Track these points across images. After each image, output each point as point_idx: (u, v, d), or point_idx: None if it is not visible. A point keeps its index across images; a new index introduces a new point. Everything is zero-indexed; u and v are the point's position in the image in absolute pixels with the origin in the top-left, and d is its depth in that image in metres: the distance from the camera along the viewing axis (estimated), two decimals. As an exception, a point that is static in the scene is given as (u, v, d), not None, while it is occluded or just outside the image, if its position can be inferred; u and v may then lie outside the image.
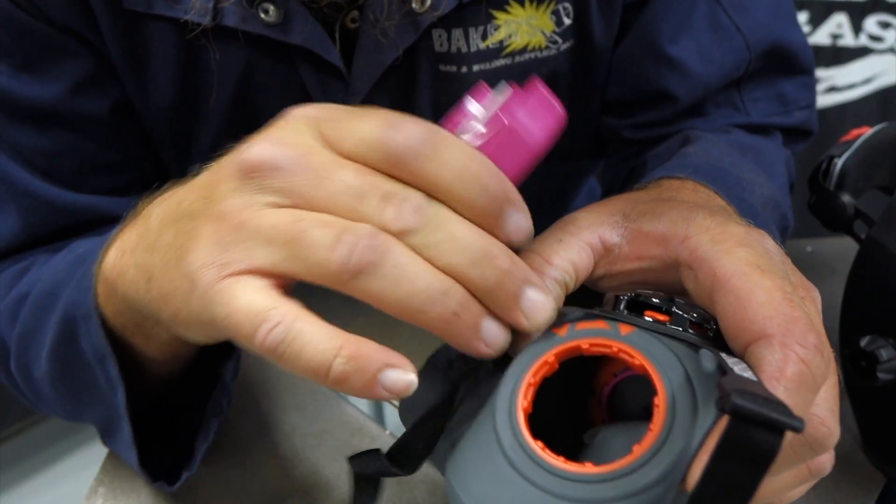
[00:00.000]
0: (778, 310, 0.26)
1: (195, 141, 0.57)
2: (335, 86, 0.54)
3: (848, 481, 0.49)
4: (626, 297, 0.29)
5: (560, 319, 0.30)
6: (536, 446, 0.27)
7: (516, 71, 0.56)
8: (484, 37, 0.53)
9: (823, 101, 1.37)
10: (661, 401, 0.25)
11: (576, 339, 0.28)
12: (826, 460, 0.29)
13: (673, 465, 0.24)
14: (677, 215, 0.31)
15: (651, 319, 0.28)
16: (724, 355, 0.26)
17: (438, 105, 0.58)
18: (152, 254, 0.32)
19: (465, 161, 0.27)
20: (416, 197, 0.26)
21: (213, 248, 0.27)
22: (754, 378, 0.25)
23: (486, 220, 0.27)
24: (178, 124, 0.56)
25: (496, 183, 0.27)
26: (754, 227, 0.30)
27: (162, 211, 0.33)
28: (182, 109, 0.55)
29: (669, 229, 0.30)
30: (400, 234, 0.26)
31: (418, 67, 0.54)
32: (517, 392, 0.28)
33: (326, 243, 0.26)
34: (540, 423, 0.28)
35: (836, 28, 1.34)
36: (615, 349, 0.27)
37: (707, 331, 0.28)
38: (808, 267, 0.69)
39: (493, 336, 0.27)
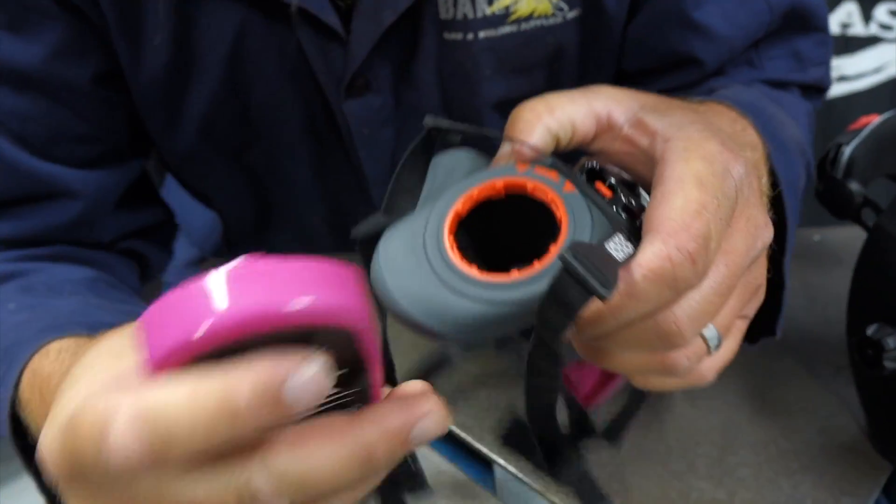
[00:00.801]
0: (681, 216, 0.28)
1: (187, 107, 0.57)
2: (334, 50, 0.54)
3: (855, 470, 0.49)
4: (589, 165, 0.32)
5: (532, 160, 0.33)
6: (450, 243, 0.31)
7: (521, 40, 0.56)
8: (490, 1, 0.53)
9: (832, 90, 1.36)
10: (559, 242, 0.30)
11: (526, 178, 0.31)
12: (679, 360, 0.31)
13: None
14: (678, 120, 0.33)
15: (595, 190, 0.31)
16: (625, 240, 0.29)
17: (442, 76, 0.58)
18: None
19: (196, 414, 0.20)
20: (270, 488, 0.22)
21: None
22: (619, 257, 0.28)
23: (273, 425, 0.22)
24: (171, 89, 0.56)
25: (244, 398, 0.20)
26: (736, 154, 0.32)
27: (52, 432, 0.24)
28: (175, 73, 0.55)
29: (662, 128, 0.33)
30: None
31: (421, 34, 0.54)
32: (456, 198, 0.32)
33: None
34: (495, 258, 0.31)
35: (845, 17, 1.33)
36: (549, 197, 0.31)
37: (637, 216, 0.31)
38: (815, 256, 0.69)
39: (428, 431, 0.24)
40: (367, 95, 0.57)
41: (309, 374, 0.20)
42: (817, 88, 0.61)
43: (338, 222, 0.70)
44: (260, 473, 0.22)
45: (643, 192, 0.33)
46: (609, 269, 0.25)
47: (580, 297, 0.25)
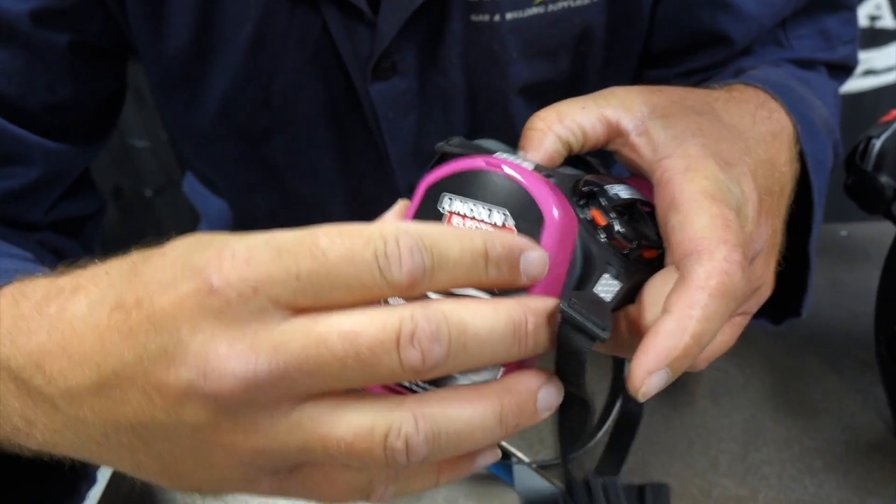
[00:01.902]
0: (713, 232, 0.29)
1: (207, 89, 0.57)
2: (361, 31, 0.53)
3: (881, 469, 0.48)
4: (587, 188, 0.31)
5: (542, 167, 0.32)
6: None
7: (548, 21, 0.55)
8: None
9: (859, 84, 1.34)
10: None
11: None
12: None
13: None
14: (681, 131, 0.34)
15: (590, 216, 0.31)
16: (612, 279, 0.30)
17: (468, 59, 0.57)
18: (87, 441, 0.26)
19: (465, 249, 0.24)
20: (430, 327, 0.23)
21: (245, 473, 0.25)
22: (608, 297, 0.29)
23: (506, 281, 0.26)
24: (191, 70, 0.56)
25: (499, 247, 0.25)
26: (731, 174, 0.32)
27: (67, 395, 0.25)
28: (196, 55, 0.54)
29: (663, 142, 0.34)
30: (431, 370, 0.24)
31: (448, 16, 0.53)
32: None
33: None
34: None
35: (874, 9, 1.30)
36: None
37: (626, 247, 0.31)
38: (842, 251, 0.68)
39: (549, 402, 0.27)
40: (393, 78, 0.57)
41: (536, 256, 0.26)
42: (844, 67, 0.60)
43: (360, 209, 0.70)
44: (409, 417, 0.24)
45: (645, 214, 0.33)
46: (603, 312, 0.27)
47: (584, 343, 0.26)
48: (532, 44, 0.57)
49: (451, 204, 0.28)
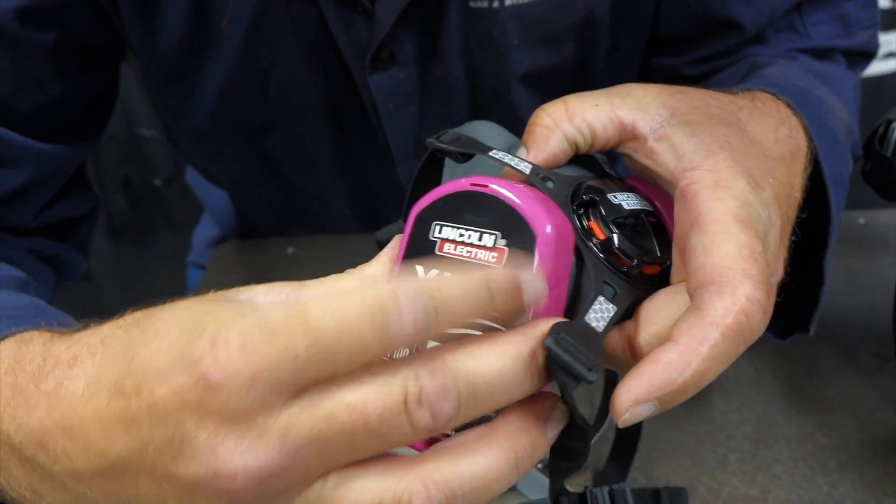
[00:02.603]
0: (739, 263, 0.27)
1: (203, 84, 0.56)
2: (358, 22, 0.52)
3: (898, 468, 0.46)
4: (587, 196, 0.30)
5: (539, 169, 0.30)
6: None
7: (550, 6, 0.53)
8: None
9: (881, 67, 1.30)
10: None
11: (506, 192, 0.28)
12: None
13: None
14: (708, 141, 0.31)
15: (588, 227, 0.29)
16: (607, 301, 0.28)
17: (467, 47, 0.56)
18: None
19: (467, 289, 0.23)
20: (436, 384, 0.22)
21: None
22: (600, 326, 0.27)
23: (512, 312, 0.25)
24: (186, 65, 0.55)
25: (500, 286, 0.24)
26: (762, 194, 0.30)
27: (67, 473, 0.25)
28: (191, 49, 0.53)
29: (689, 152, 0.31)
30: (446, 426, 0.23)
31: (447, 2, 0.52)
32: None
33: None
34: None
35: (896, -10, 1.26)
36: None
37: (627, 263, 0.29)
38: (860, 240, 0.65)
39: (556, 428, 0.26)
40: (392, 69, 0.56)
41: (533, 278, 0.24)
42: (864, 54, 0.57)
43: (362, 202, 0.69)
44: (419, 485, 0.23)
45: (649, 226, 0.31)
46: (593, 346, 0.25)
47: (570, 383, 0.24)
48: (533, 30, 0.55)
49: (442, 231, 0.28)
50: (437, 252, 0.28)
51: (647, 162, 0.32)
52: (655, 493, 0.36)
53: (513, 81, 0.58)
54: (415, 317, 0.22)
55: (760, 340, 0.45)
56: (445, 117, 0.61)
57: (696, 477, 0.46)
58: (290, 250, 0.70)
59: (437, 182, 0.34)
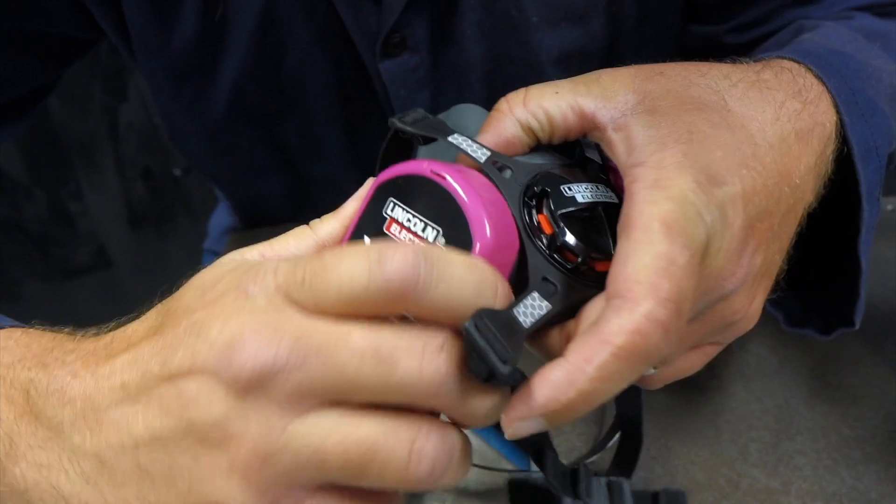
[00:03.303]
0: (649, 277, 0.25)
1: (218, 77, 0.56)
2: (368, 7, 0.51)
3: (925, 461, 0.45)
4: (538, 188, 0.29)
5: (498, 156, 0.30)
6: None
7: None
8: None
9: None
10: None
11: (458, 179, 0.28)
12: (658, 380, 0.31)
13: None
14: (664, 134, 0.29)
15: (536, 220, 0.29)
16: (541, 298, 0.27)
17: (483, 29, 0.54)
18: (81, 478, 0.25)
19: (464, 270, 0.24)
20: (449, 339, 0.24)
21: (248, 492, 0.23)
22: (527, 322, 0.26)
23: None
24: (201, 60, 0.54)
25: (494, 276, 0.25)
26: (711, 193, 0.27)
27: (78, 419, 0.25)
28: (205, 43, 0.53)
29: (640, 145, 0.29)
30: (449, 389, 0.24)
31: None
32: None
33: (399, 458, 0.23)
34: None
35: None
36: None
37: (573, 259, 0.28)
38: (886, 227, 0.64)
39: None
40: (404, 55, 0.55)
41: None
42: None
43: None
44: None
45: (605, 221, 0.30)
46: (514, 340, 0.24)
47: (482, 369, 0.23)
48: (555, 6, 0.53)
49: (394, 210, 0.28)
50: (384, 229, 0.28)
51: (608, 151, 0.30)
52: (654, 496, 0.35)
53: (545, 64, 0.56)
54: (406, 261, 0.23)
55: (783, 330, 0.44)
56: (460, 102, 0.60)
57: (715, 468, 0.45)
58: (304, 238, 0.70)
59: (405, 159, 0.33)
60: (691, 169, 0.27)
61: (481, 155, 0.30)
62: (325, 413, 0.24)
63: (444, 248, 0.26)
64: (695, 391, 0.50)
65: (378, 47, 0.54)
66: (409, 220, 0.28)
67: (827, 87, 0.35)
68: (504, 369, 0.23)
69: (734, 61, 0.35)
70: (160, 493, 0.24)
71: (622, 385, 0.25)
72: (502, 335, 0.23)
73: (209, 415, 0.23)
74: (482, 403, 0.25)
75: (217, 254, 0.84)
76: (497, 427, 0.27)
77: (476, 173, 0.28)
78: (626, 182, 0.28)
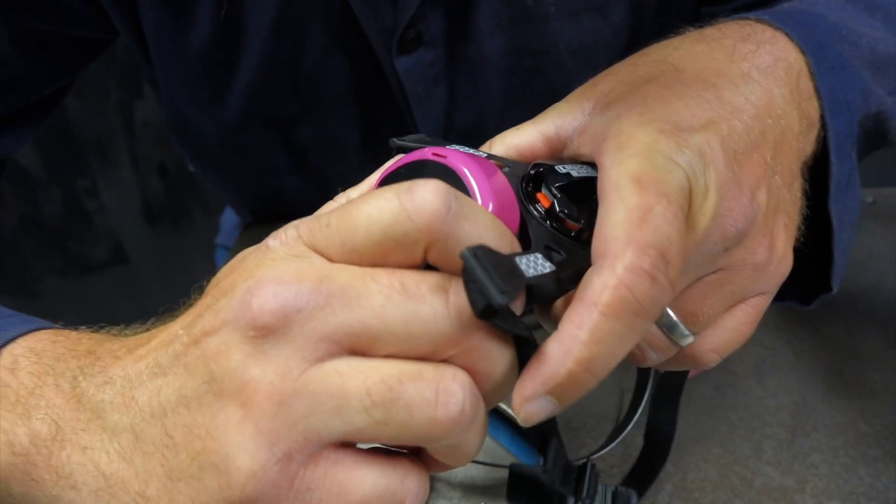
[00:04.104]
0: (624, 230, 0.24)
1: (234, 79, 0.55)
2: (383, 4, 0.51)
3: (947, 459, 0.43)
4: (534, 171, 0.29)
5: (495, 157, 0.31)
6: None
7: None
8: None
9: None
10: None
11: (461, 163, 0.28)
12: (637, 356, 0.29)
13: None
14: (619, 112, 0.29)
15: (535, 197, 0.29)
16: (543, 259, 0.26)
17: (500, 21, 0.53)
18: (118, 456, 0.25)
19: (487, 216, 0.24)
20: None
21: (258, 442, 0.22)
22: (528, 272, 0.25)
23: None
24: (216, 62, 0.54)
25: (510, 232, 0.25)
26: (680, 135, 0.27)
27: (117, 397, 0.25)
28: (220, 46, 0.53)
29: (601, 131, 0.29)
30: (464, 334, 0.23)
31: None
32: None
33: (426, 396, 0.23)
34: None
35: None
36: None
37: (574, 227, 0.28)
38: (869, 218, 0.62)
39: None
40: (419, 50, 0.54)
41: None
42: None
43: None
44: (464, 376, 0.24)
45: (576, 180, 0.30)
46: (512, 279, 0.23)
47: (479, 299, 0.22)
48: None
49: None
50: None
51: (581, 159, 0.30)
52: None
53: (563, 56, 0.56)
54: (436, 199, 0.23)
55: (800, 322, 0.43)
56: (476, 98, 0.59)
57: (728, 465, 0.44)
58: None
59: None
60: (652, 123, 0.27)
61: (479, 155, 0.30)
62: (345, 358, 0.23)
63: None
64: (708, 386, 0.49)
65: (394, 43, 0.53)
66: None
67: (786, 34, 0.34)
68: (500, 299, 0.22)
69: (676, 32, 0.35)
70: (179, 457, 0.23)
71: (623, 345, 0.24)
72: (500, 273, 0.22)
73: (227, 364, 0.23)
74: (498, 363, 0.24)
75: (228, 249, 0.84)
76: (506, 423, 0.27)
77: (476, 154, 0.28)
78: (597, 162, 0.28)
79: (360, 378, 0.22)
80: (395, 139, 0.32)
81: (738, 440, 0.46)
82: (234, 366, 0.22)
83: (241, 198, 0.74)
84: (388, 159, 0.33)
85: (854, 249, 0.60)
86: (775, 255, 0.30)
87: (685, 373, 0.36)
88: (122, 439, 0.25)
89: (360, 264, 0.23)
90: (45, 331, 0.31)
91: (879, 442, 0.45)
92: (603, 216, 0.25)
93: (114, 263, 1.71)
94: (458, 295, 0.23)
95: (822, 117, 0.34)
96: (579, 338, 0.23)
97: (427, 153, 0.28)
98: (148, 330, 0.28)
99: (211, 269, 0.79)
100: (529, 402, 0.23)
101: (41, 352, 0.29)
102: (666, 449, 0.39)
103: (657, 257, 0.24)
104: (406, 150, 0.31)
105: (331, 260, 0.24)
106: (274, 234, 0.25)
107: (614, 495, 0.33)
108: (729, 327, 0.30)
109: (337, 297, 0.22)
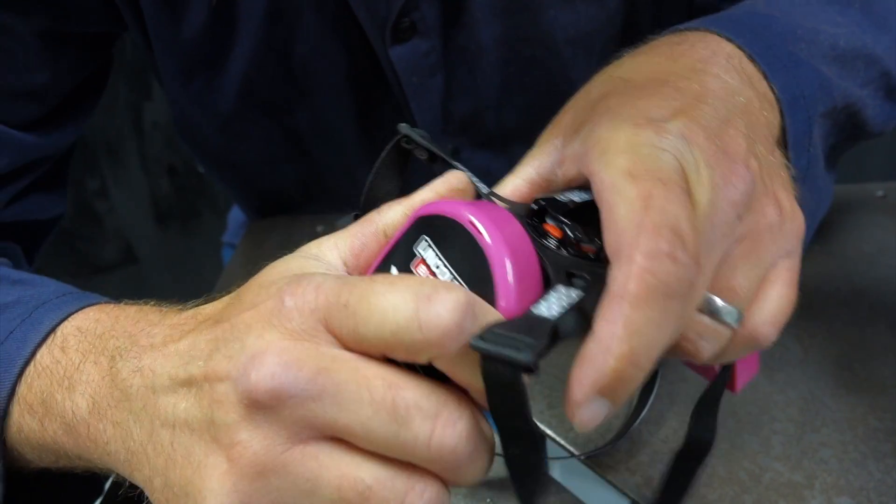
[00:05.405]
0: (632, 222, 0.24)
1: (228, 66, 0.55)
2: None
3: (958, 454, 0.43)
4: (536, 206, 0.29)
5: (496, 196, 0.31)
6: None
7: None
8: None
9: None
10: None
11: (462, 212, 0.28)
12: (690, 348, 0.28)
13: None
14: (589, 129, 0.29)
15: (542, 232, 0.29)
16: (567, 289, 0.26)
17: (495, 9, 0.53)
18: (139, 439, 0.28)
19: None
20: (465, 416, 0.25)
21: (231, 499, 0.24)
22: (553, 312, 0.24)
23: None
24: (211, 49, 0.54)
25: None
26: (658, 124, 0.27)
27: (143, 389, 0.28)
28: (214, 33, 0.53)
29: (580, 147, 0.29)
30: (451, 460, 0.25)
31: None
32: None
33: None
34: None
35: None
36: None
37: (591, 250, 0.28)
38: (879, 212, 0.62)
39: None
40: (414, 39, 0.54)
41: None
42: None
43: None
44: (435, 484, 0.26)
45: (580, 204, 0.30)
46: (537, 331, 0.23)
47: (509, 373, 0.22)
48: None
49: (425, 251, 0.28)
50: (411, 267, 0.28)
51: (569, 186, 0.31)
52: None
53: (552, 45, 0.55)
54: (453, 314, 0.23)
55: (809, 316, 0.42)
56: (474, 88, 0.59)
57: (736, 461, 0.44)
58: (319, 228, 0.69)
59: (400, 173, 0.34)
60: (625, 122, 0.28)
61: (482, 188, 0.31)
62: (328, 446, 0.24)
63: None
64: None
65: (388, 32, 0.53)
66: (437, 266, 0.27)
67: (716, 33, 0.35)
68: (524, 356, 0.22)
69: (614, 57, 0.36)
70: (174, 474, 0.26)
71: (662, 332, 0.24)
72: (521, 332, 0.22)
73: (225, 418, 0.24)
74: (473, 471, 0.25)
75: (234, 246, 0.84)
76: None
77: (512, 222, 0.28)
78: (587, 176, 0.28)
79: (336, 474, 0.24)
80: (403, 125, 0.32)
81: (747, 435, 0.45)
82: (229, 422, 0.24)
83: (244, 191, 0.75)
84: (386, 152, 0.33)
85: (863, 243, 0.60)
86: (785, 214, 0.30)
87: (724, 382, 0.36)
88: (143, 427, 0.27)
89: (369, 353, 0.25)
90: (91, 308, 0.34)
91: (890, 437, 0.44)
92: (607, 218, 0.25)
93: (124, 264, 1.72)
94: (444, 428, 0.24)
95: (778, 100, 0.34)
96: (616, 334, 0.23)
97: (465, 218, 0.27)
98: (181, 309, 0.31)
99: (220, 268, 0.79)
100: (581, 406, 0.23)
101: (86, 330, 0.32)
102: (701, 459, 0.38)
103: (671, 236, 0.24)
104: (409, 142, 0.31)
105: (341, 341, 0.25)
106: (292, 289, 0.25)
107: None
108: (773, 296, 0.30)
109: (330, 394, 0.24)
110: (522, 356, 0.21)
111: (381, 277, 0.25)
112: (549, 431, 0.46)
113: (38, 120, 0.52)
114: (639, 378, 0.23)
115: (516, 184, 0.32)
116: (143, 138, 1.64)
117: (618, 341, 0.23)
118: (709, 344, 0.28)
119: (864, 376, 0.48)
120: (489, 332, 0.22)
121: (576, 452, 0.45)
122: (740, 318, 0.29)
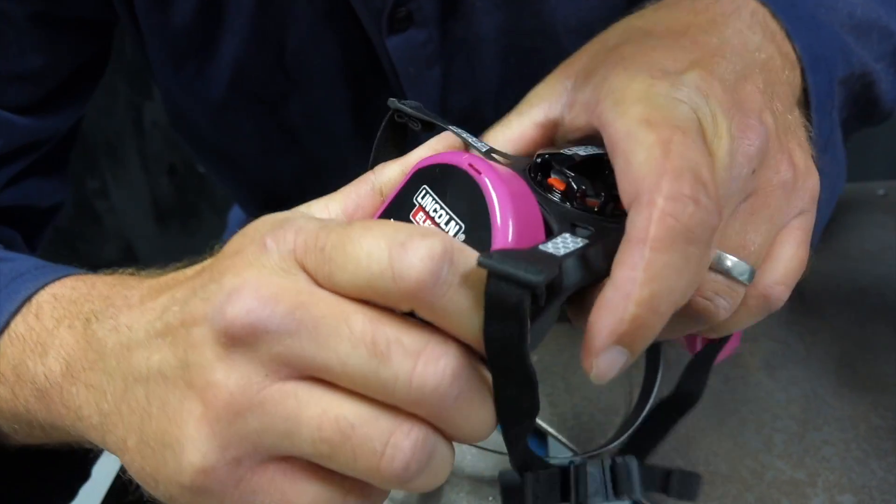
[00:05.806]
0: (652, 167, 0.24)
1: (219, 55, 0.55)
2: None
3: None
4: (539, 159, 0.29)
5: (497, 151, 0.31)
6: None
7: None
8: None
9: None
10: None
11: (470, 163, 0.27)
12: (704, 307, 0.28)
13: None
14: (602, 76, 0.28)
15: (546, 186, 0.28)
16: (573, 237, 0.25)
17: (495, 0, 0.53)
18: (112, 400, 0.27)
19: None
20: (450, 354, 0.23)
21: (211, 443, 0.23)
22: (559, 251, 0.24)
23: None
24: (201, 37, 0.53)
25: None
26: (673, 77, 0.27)
27: (118, 346, 0.27)
28: (204, 19, 0.52)
29: (591, 95, 0.28)
30: (435, 401, 0.23)
31: None
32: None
33: (373, 448, 0.23)
34: None
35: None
36: None
37: (595, 203, 0.28)
38: (881, 211, 0.62)
39: None
40: (410, 30, 0.53)
41: None
42: None
43: None
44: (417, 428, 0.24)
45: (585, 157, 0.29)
46: (544, 262, 0.22)
47: (515, 294, 0.21)
48: None
49: (424, 198, 0.28)
50: (410, 216, 0.28)
51: (576, 136, 0.30)
52: (666, 474, 0.32)
53: (553, 35, 0.55)
54: (431, 260, 0.22)
55: (812, 314, 0.42)
56: (472, 80, 0.58)
57: (738, 459, 0.44)
58: (320, 227, 0.69)
59: (401, 150, 0.33)
60: (640, 72, 0.27)
61: (482, 146, 0.30)
62: (307, 384, 0.23)
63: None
64: (718, 379, 0.49)
65: (384, 22, 0.52)
66: (435, 211, 0.27)
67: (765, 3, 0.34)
68: (538, 278, 0.20)
69: (638, 7, 0.35)
70: (149, 427, 0.25)
71: (683, 278, 0.23)
72: (529, 260, 0.21)
73: (200, 359, 0.23)
74: (468, 421, 0.24)
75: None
76: None
77: (513, 175, 0.27)
78: (597, 125, 0.27)
79: (316, 411, 0.23)
80: (394, 100, 0.32)
81: (749, 434, 0.45)
82: (204, 363, 0.23)
83: (241, 186, 0.74)
84: (381, 130, 0.33)
85: (865, 241, 0.60)
86: (798, 172, 0.29)
87: (718, 344, 0.35)
88: (116, 386, 0.26)
89: (345, 297, 0.23)
90: (67, 277, 0.34)
91: (892, 435, 0.44)
92: (623, 167, 0.25)
93: (123, 263, 1.71)
94: (426, 365, 0.22)
95: (799, 59, 0.33)
96: (636, 279, 0.22)
97: (464, 162, 0.27)
98: (161, 274, 0.30)
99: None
100: (599, 356, 0.23)
101: (61, 297, 0.32)
102: (684, 411, 0.37)
103: (693, 180, 0.23)
104: (401, 115, 0.31)
105: (317, 283, 0.24)
106: (274, 231, 0.24)
107: (613, 469, 0.31)
108: (785, 255, 0.29)
109: (307, 329, 0.22)
110: (532, 276, 0.20)
111: (359, 223, 0.24)
112: (550, 430, 0.46)
113: (34, 103, 0.52)
114: (658, 327, 0.23)
115: (523, 125, 0.31)
116: (143, 138, 1.64)
117: (639, 286, 0.22)
118: (724, 301, 0.28)
119: (866, 374, 0.48)
120: (496, 254, 0.21)
121: (577, 451, 0.45)
122: (752, 275, 0.28)
